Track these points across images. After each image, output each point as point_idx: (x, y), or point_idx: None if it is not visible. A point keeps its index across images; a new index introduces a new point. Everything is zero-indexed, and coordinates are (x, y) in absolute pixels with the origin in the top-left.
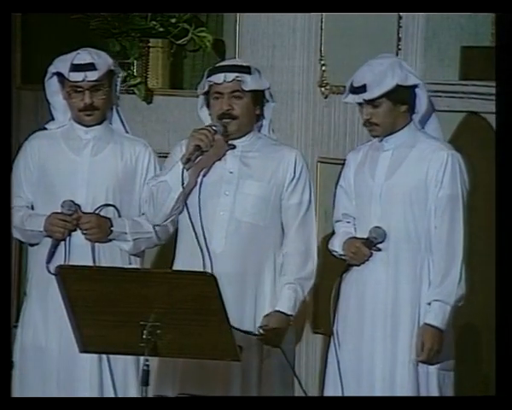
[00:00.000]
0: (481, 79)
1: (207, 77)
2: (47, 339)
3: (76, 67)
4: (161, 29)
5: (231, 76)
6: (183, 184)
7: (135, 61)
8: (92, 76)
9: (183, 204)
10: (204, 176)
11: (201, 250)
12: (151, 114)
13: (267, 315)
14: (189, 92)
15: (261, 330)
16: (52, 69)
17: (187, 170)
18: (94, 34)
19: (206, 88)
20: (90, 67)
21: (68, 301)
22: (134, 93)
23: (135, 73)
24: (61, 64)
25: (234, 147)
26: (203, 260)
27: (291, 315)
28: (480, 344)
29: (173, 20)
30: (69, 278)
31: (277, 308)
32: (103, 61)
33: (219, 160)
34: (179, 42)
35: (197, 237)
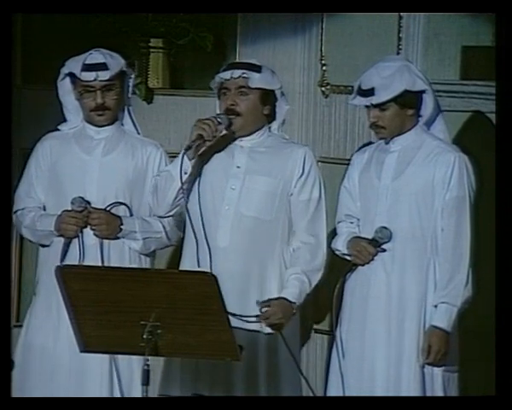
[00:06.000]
0: (482, 79)
1: (219, 73)
2: (54, 340)
3: (88, 67)
4: (162, 29)
5: (238, 72)
6: (181, 170)
7: (135, 61)
8: (104, 76)
9: (186, 195)
10: (203, 166)
11: (197, 243)
12: (151, 114)
13: (270, 299)
14: (189, 92)
15: (262, 309)
16: (65, 70)
17: (190, 159)
18: (94, 34)
19: (217, 84)
20: (102, 66)
21: (69, 301)
22: (134, 93)
23: (135, 73)
24: (74, 64)
25: (235, 139)
26: (197, 253)
27: (294, 303)
28: (482, 345)
29: (174, 20)
30: (70, 277)
31: (281, 295)
32: (115, 61)
33: (225, 153)
34: (180, 42)
35: (194, 230)
